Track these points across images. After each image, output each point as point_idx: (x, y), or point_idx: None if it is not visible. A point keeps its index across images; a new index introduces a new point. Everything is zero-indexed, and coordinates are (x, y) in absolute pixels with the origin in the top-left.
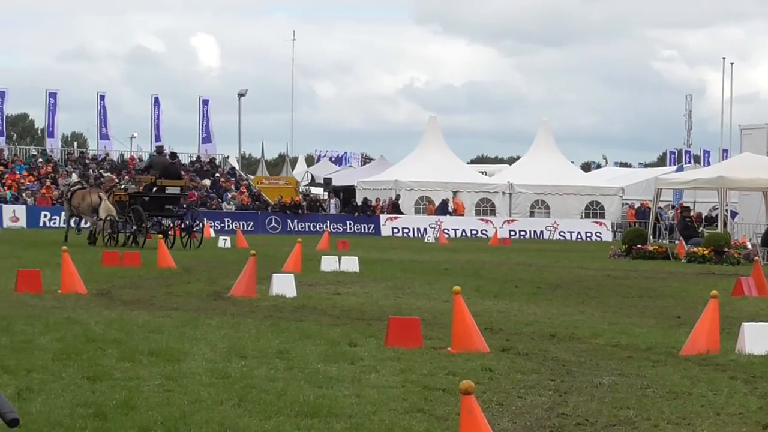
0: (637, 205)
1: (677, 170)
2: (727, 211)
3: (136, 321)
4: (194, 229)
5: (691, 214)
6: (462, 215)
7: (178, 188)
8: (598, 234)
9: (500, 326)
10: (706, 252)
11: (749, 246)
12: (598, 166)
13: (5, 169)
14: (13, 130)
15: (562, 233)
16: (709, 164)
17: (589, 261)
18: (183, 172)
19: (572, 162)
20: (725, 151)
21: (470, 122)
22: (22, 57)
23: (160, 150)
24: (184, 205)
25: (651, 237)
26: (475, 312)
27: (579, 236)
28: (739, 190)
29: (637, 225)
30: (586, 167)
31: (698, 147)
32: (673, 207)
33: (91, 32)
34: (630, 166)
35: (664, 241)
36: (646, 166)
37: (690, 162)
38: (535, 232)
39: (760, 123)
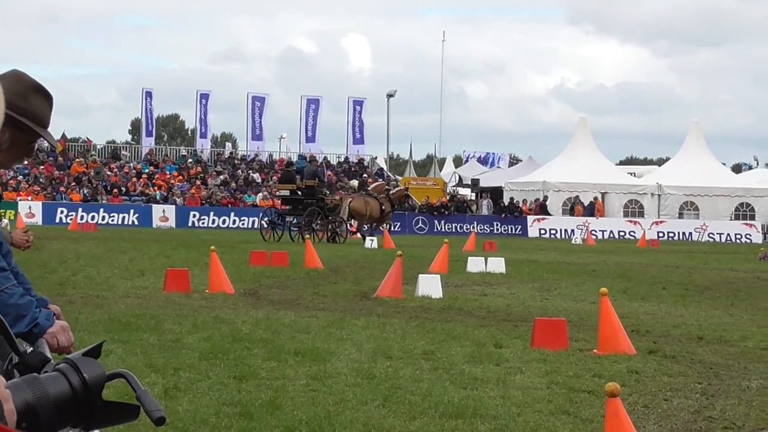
0: None
1: None
2: None
3: (283, 321)
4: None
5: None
6: (602, 216)
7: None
8: (747, 236)
9: (647, 328)
10: None
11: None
12: (750, 168)
13: (155, 169)
14: (163, 130)
15: (711, 235)
16: None
17: (738, 263)
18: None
19: (723, 163)
20: None
21: (621, 123)
22: (174, 58)
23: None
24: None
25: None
26: (621, 314)
27: (728, 238)
28: None
29: None
30: (737, 168)
31: None
32: None
33: (244, 33)
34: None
35: None
36: None
37: None
38: (683, 233)
39: None
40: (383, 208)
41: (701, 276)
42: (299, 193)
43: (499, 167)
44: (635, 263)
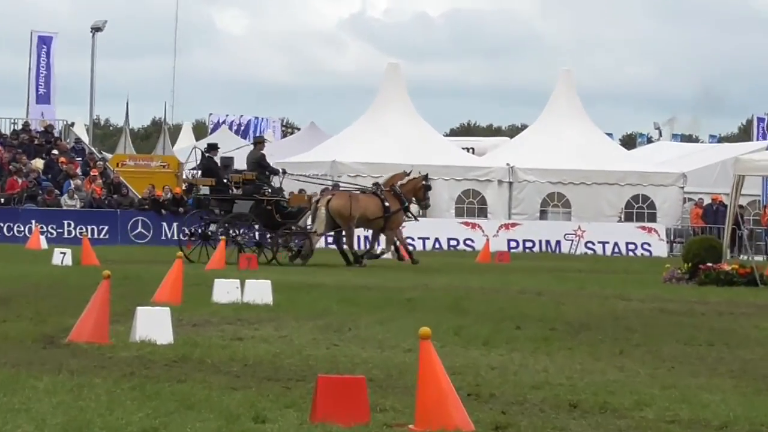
0: (706, 201)
1: None
2: None
3: None
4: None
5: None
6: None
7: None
8: (646, 246)
9: (492, 390)
10: None
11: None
12: (649, 140)
13: None
14: None
15: (590, 244)
16: None
17: (632, 287)
18: None
19: (608, 134)
20: None
21: (452, 73)
22: None
23: None
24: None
25: (728, 250)
26: (453, 367)
27: (616, 249)
28: None
29: (706, 232)
30: (629, 142)
31: None
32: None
33: None
34: (696, 140)
35: (749, 257)
36: (721, 140)
37: None
38: (547, 242)
39: None
40: (386, 205)
41: (575, 308)
42: (233, 189)
43: (264, 139)
44: (474, 288)
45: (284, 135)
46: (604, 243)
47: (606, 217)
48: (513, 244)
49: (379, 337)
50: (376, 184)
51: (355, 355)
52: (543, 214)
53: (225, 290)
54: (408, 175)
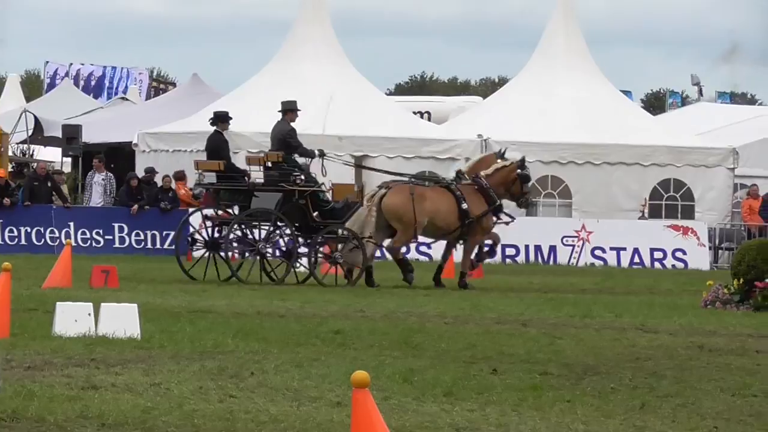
0: (765, 188)
1: None
2: None
3: None
4: None
5: None
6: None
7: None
8: (679, 253)
9: None
10: None
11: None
12: (684, 101)
13: None
14: None
15: (599, 251)
16: None
17: (659, 314)
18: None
19: (625, 92)
20: None
21: (399, 3)
22: None
23: None
24: None
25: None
26: (401, 429)
27: (637, 258)
28: None
29: (765, 233)
30: (657, 102)
31: None
32: None
33: None
34: (753, 100)
35: None
36: None
37: None
38: (538, 248)
39: None
40: (463, 206)
41: (576, 344)
42: (250, 175)
43: (125, 98)
44: (431, 315)
45: (155, 93)
46: (618, 249)
47: (623, 213)
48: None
49: (295, 385)
50: (459, 173)
51: (261, 411)
52: (531, 208)
53: (72, 317)
54: (503, 157)
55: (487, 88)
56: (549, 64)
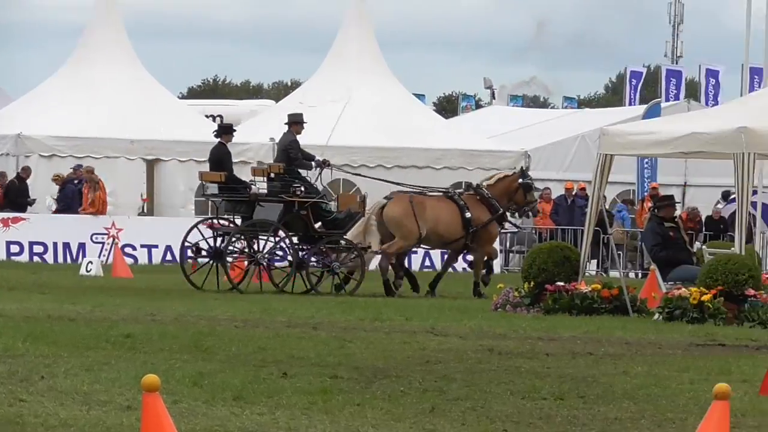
0: (557, 191)
1: (647, 114)
2: (754, 206)
3: None
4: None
5: (676, 212)
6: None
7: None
8: (470, 258)
9: None
10: (707, 297)
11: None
12: (477, 105)
13: None
14: None
15: None
16: (717, 101)
17: (450, 317)
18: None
19: (418, 96)
20: (755, 70)
21: (191, 2)
22: None
23: None
24: None
25: (587, 261)
26: None
27: (427, 260)
28: None
29: (556, 236)
30: (450, 106)
31: (694, 61)
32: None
33: None
34: (545, 103)
35: (617, 273)
36: (581, 104)
37: (674, 96)
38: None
39: None
40: (467, 215)
41: (366, 347)
42: (252, 186)
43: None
44: (221, 319)
45: None
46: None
47: None
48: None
49: (85, 388)
50: (470, 185)
51: (51, 415)
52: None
53: None
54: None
55: (280, 91)
56: (342, 67)
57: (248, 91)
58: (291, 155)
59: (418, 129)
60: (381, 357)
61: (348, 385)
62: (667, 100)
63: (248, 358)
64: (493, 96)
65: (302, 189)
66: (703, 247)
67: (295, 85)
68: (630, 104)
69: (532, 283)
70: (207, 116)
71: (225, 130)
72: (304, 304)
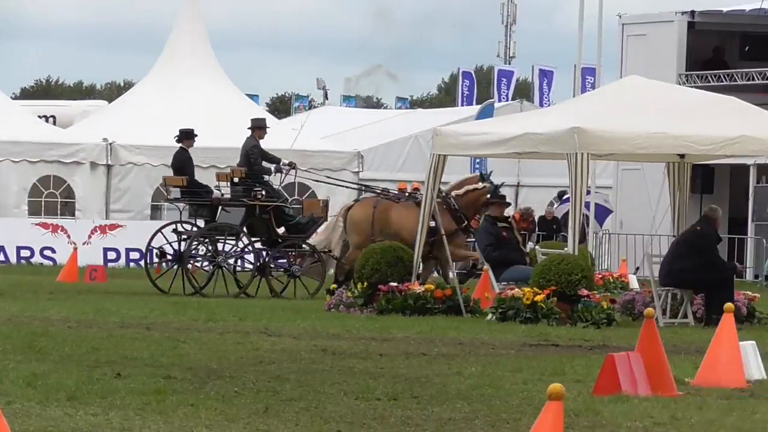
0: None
1: (480, 115)
2: (588, 206)
3: None
4: None
5: (509, 212)
6: None
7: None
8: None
9: None
10: (540, 297)
11: (634, 282)
12: (309, 106)
13: None
14: None
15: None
16: (549, 101)
17: (283, 318)
18: None
19: (251, 97)
20: (587, 71)
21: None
22: None
23: None
24: None
25: (420, 262)
26: None
27: None
28: (614, 159)
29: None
30: (283, 106)
31: (527, 61)
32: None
33: None
34: (379, 104)
35: (453, 274)
36: (413, 104)
37: (506, 96)
38: (150, 251)
39: (658, 13)
40: (434, 224)
41: (200, 348)
42: (213, 191)
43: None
44: (54, 320)
45: None
46: None
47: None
48: (112, 255)
49: None
50: (440, 192)
51: None
52: (156, 212)
53: None
54: (485, 179)
55: (113, 92)
56: (175, 67)
57: (81, 92)
58: (251, 160)
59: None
60: (215, 357)
61: (182, 385)
62: (500, 100)
63: (82, 359)
64: (326, 96)
65: (263, 193)
66: (536, 247)
67: (128, 85)
68: (463, 105)
69: (365, 283)
70: (40, 117)
71: (186, 135)
72: (137, 304)
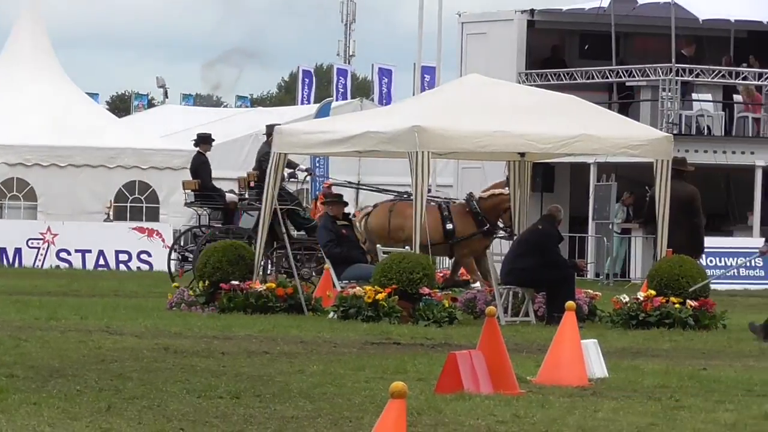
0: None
1: (318, 113)
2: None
3: None
4: None
5: (351, 210)
6: None
7: None
8: (144, 254)
9: None
10: (381, 296)
11: (476, 283)
12: (149, 104)
13: None
14: None
15: (64, 254)
16: (390, 100)
17: (124, 317)
18: None
19: (91, 95)
20: (427, 69)
21: None
22: None
23: None
24: None
25: (262, 261)
26: None
27: (102, 260)
28: (455, 157)
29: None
30: (123, 105)
31: (366, 61)
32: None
33: None
34: (219, 102)
35: (295, 272)
36: (254, 103)
37: (343, 95)
38: (3, 251)
39: (498, 11)
40: (449, 227)
41: (42, 346)
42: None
43: None
44: None
45: None
46: (84, 252)
47: (88, 215)
48: None
49: None
50: (470, 195)
51: None
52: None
53: None
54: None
55: None
56: (15, 64)
57: None
58: (263, 166)
59: (91, 127)
60: (57, 356)
61: (24, 384)
62: (338, 99)
63: None
64: (165, 95)
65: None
66: (378, 245)
67: None
68: (303, 103)
69: (206, 281)
70: None
71: (203, 140)
72: None
